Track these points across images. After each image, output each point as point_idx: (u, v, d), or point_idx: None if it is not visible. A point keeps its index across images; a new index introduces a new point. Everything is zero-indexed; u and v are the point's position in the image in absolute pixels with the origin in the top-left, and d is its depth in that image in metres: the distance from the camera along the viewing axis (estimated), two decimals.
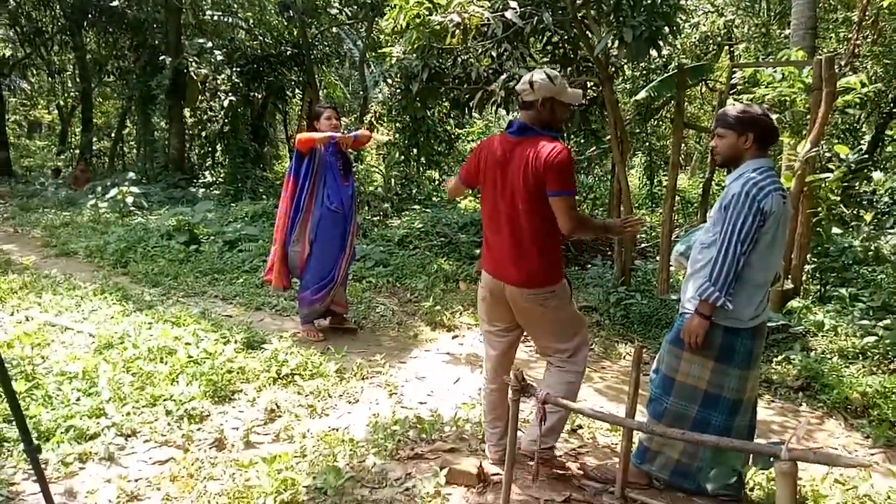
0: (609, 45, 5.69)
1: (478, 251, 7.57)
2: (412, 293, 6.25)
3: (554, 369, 2.93)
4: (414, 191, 11.04)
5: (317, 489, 2.72)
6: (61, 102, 20.24)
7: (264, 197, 10.87)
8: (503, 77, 6.08)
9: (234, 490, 2.71)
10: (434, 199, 11.19)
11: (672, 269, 5.91)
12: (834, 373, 4.12)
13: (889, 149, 13.64)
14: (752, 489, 2.90)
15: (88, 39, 16.55)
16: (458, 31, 5.18)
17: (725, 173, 2.79)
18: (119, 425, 3.19)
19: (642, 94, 8.54)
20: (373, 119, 14.06)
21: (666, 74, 8.44)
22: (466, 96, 7.63)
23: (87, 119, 16.84)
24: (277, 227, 4.86)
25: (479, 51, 6.80)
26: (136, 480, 2.81)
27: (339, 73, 18.57)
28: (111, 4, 13.17)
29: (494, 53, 6.77)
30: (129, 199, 9.37)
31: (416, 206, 9.75)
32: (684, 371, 2.75)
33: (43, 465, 2.53)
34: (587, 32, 5.91)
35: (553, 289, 2.77)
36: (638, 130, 11.52)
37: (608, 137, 7.78)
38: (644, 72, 11.36)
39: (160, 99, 13.17)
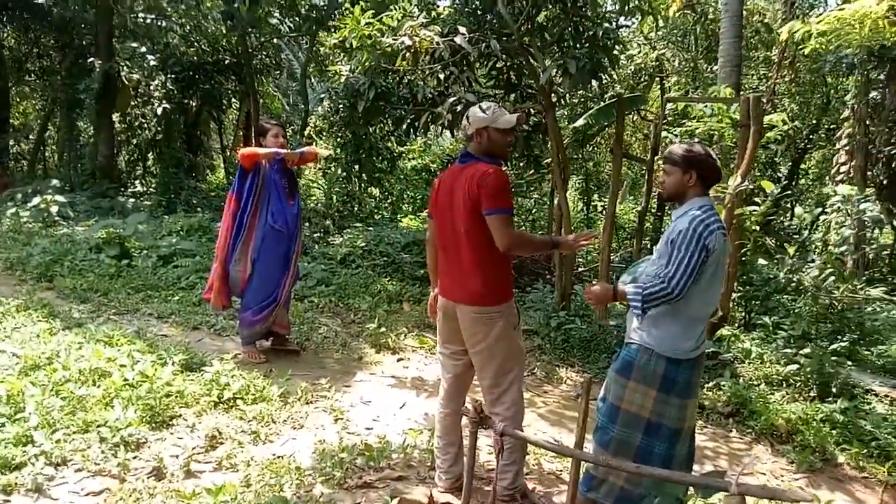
0: (553, 74, 5.89)
1: (422, 272, 7.59)
2: (356, 314, 6.20)
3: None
4: (355, 208, 10.97)
5: None
6: None
7: (199, 209, 10.53)
8: (450, 100, 6.17)
9: None
10: (376, 216, 11.16)
11: None
12: (761, 399, 4.36)
13: (803, 181, 14.64)
14: None
15: (6, 35, 15.64)
16: (408, 54, 5.23)
17: (668, 207, 2.96)
18: (48, 454, 3.02)
19: (581, 122, 8.83)
20: (312, 133, 13.93)
21: (603, 104, 8.76)
22: (412, 116, 7.69)
23: (4, 119, 15.83)
24: (219, 245, 4.74)
25: (426, 73, 6.87)
26: None
27: (277, 84, 18.29)
28: (34, 0, 12.52)
29: (441, 76, 6.86)
30: (54, 209, 8.85)
31: (358, 224, 9.69)
32: (629, 399, 2.85)
33: None
34: (532, 61, 6.09)
35: (499, 309, 2.85)
36: (576, 156, 11.90)
37: (547, 161, 8.01)
38: (582, 99, 11.77)
39: (87, 103, 12.57)
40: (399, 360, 5.14)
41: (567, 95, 9.58)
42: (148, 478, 3.00)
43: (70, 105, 13.90)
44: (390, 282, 7.16)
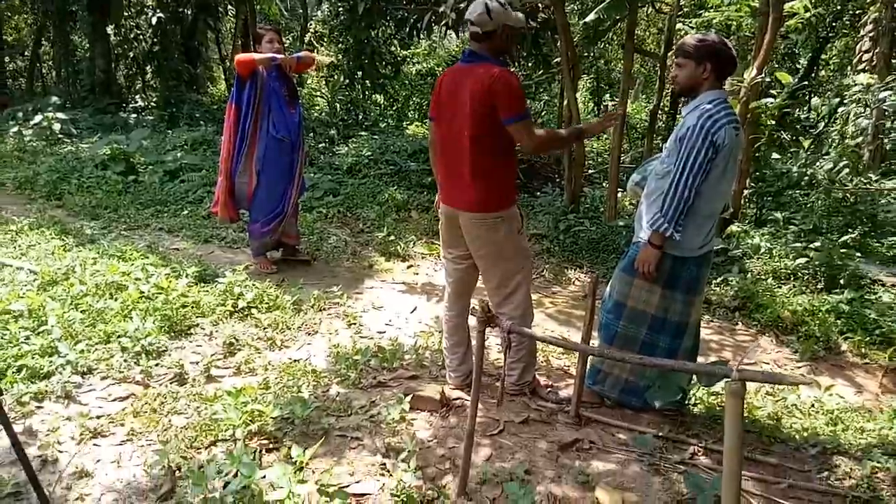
0: None
1: (429, 179, 7.54)
2: (364, 223, 6.22)
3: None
4: (360, 116, 10.76)
5: (284, 419, 2.77)
6: None
7: (202, 123, 10.39)
8: None
9: (200, 423, 2.73)
10: (381, 124, 10.96)
11: (624, 196, 6.07)
12: (768, 293, 4.40)
13: (823, 73, 14.07)
14: (694, 404, 3.13)
15: None
16: None
17: (680, 104, 2.84)
18: (74, 363, 3.12)
19: (591, 17, 8.43)
20: (313, 39, 13.45)
21: None
22: (414, 17, 7.38)
23: None
24: (222, 158, 4.69)
25: None
26: (98, 417, 2.79)
27: None
28: None
29: None
30: (56, 126, 8.76)
31: (364, 133, 9.54)
32: (634, 296, 2.89)
33: None
34: None
35: (500, 215, 2.81)
36: (586, 54, 11.45)
37: (556, 60, 7.72)
38: None
39: (80, 15, 12.15)
40: (409, 266, 5.20)
41: None
42: (171, 383, 3.12)
43: (62, 17, 13.44)
44: (397, 190, 7.13)
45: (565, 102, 6.82)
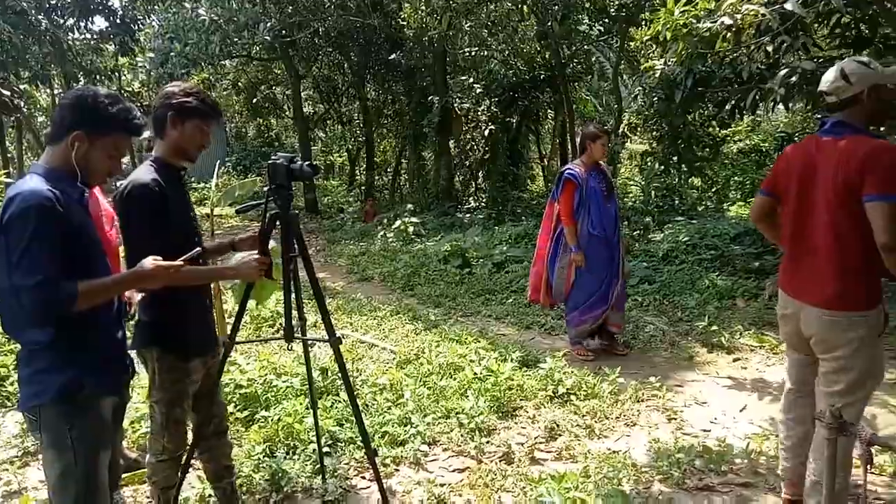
0: None
1: (756, 264, 6.95)
2: (683, 311, 5.97)
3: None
4: (676, 201, 10.53)
5: None
6: (349, 147, 23.55)
7: (523, 218, 11.33)
8: (783, 73, 5.53)
9: (526, 503, 2.89)
10: (699, 208, 10.54)
11: None
12: None
13: None
14: None
15: (369, 90, 19.05)
16: (729, 34, 4.86)
17: None
18: (423, 434, 3.60)
19: None
20: (626, 130, 13.80)
21: None
22: (737, 97, 7.10)
23: (371, 159, 19.30)
24: (539, 248, 5.09)
25: (752, 48, 6.27)
26: (441, 485, 3.15)
27: (589, 87, 18.59)
28: (389, 58, 15.03)
29: (770, 48, 6.18)
30: (410, 229, 10.51)
31: (680, 218, 9.28)
32: None
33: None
34: (890, 5, 5.10)
35: (862, 314, 2.40)
36: None
37: None
38: None
39: (429, 135, 14.57)
40: (735, 359, 4.79)
41: None
42: (499, 461, 3.38)
43: (416, 139, 16.28)
44: (719, 277, 6.70)
45: None
